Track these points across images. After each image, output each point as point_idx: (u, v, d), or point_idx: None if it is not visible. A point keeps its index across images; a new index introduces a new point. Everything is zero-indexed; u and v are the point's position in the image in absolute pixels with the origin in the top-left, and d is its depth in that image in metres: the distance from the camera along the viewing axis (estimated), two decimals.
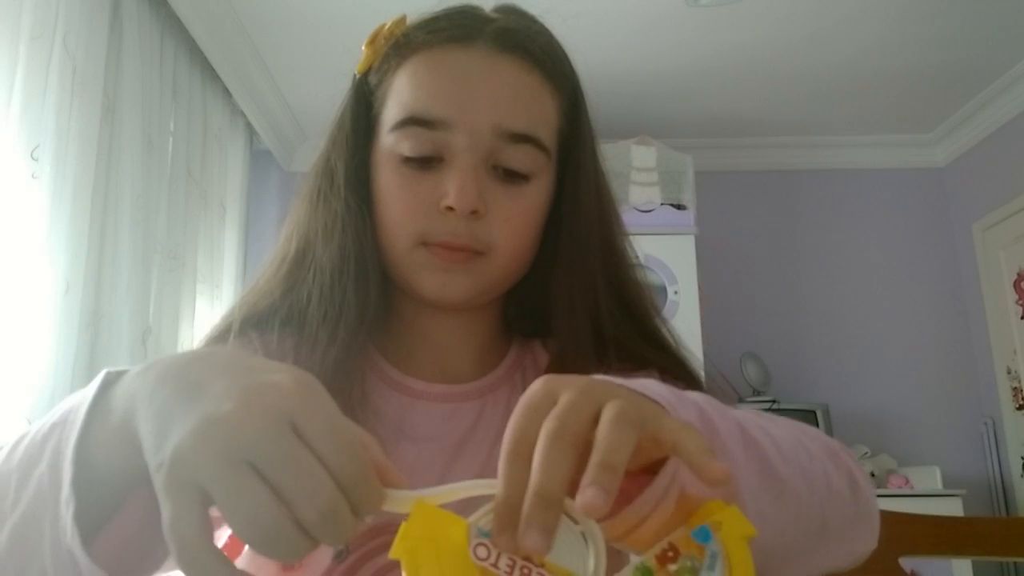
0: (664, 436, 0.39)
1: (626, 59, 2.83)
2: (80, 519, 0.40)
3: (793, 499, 0.52)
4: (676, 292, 2.81)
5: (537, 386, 0.41)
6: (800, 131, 3.43)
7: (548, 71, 0.69)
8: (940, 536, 0.91)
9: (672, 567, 0.39)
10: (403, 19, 0.71)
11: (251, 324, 0.69)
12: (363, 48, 0.72)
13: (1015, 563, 2.92)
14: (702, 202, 3.05)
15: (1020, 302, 3.07)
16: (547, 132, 0.69)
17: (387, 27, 0.71)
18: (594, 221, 0.72)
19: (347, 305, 0.66)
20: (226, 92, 2.80)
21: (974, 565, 2.67)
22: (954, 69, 2.96)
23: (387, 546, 0.64)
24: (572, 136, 0.72)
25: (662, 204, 2.94)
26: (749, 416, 0.54)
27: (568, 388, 0.40)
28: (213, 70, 2.66)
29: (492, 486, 0.39)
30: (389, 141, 0.68)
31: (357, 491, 0.36)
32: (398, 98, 0.68)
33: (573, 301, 0.70)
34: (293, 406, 0.36)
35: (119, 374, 0.45)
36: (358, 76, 0.73)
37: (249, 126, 3.07)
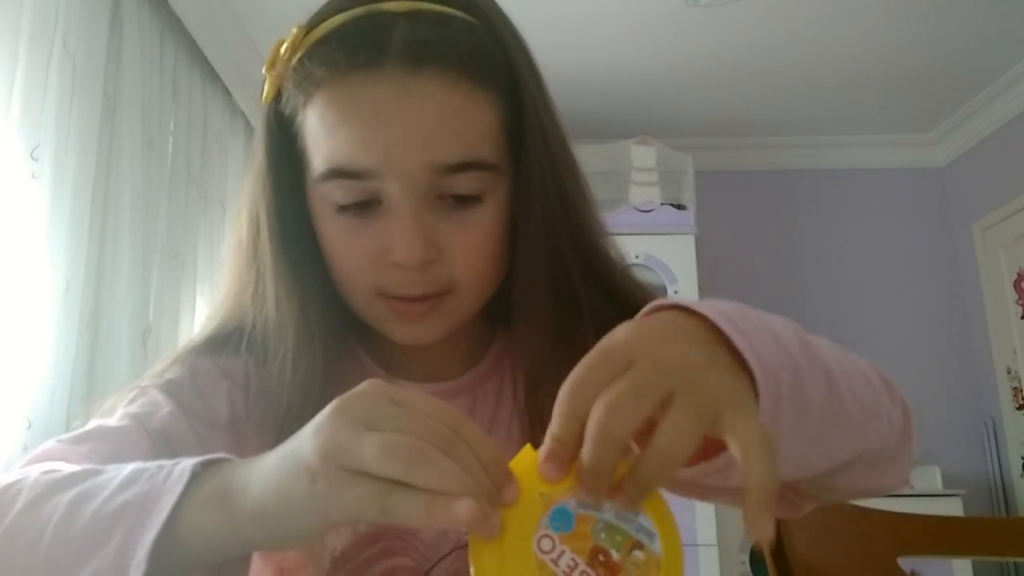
0: (732, 446, 0.38)
1: (626, 59, 2.82)
2: None
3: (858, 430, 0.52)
4: (676, 292, 2.81)
5: (619, 338, 0.40)
6: (800, 131, 3.43)
7: (473, 75, 0.59)
8: (939, 536, 0.91)
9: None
10: (300, 34, 0.63)
11: (242, 346, 0.68)
12: (264, 72, 0.65)
13: (1015, 563, 2.92)
14: (702, 202, 3.04)
15: (1020, 302, 3.07)
16: (490, 146, 0.60)
17: (284, 48, 0.63)
18: (552, 201, 0.65)
19: (298, 347, 0.64)
20: (226, 92, 2.80)
21: (974, 565, 2.68)
22: (954, 69, 2.96)
23: (383, 553, 0.64)
24: (518, 123, 0.63)
25: (662, 204, 2.93)
26: (825, 345, 0.53)
27: (640, 363, 0.39)
28: (213, 70, 2.65)
29: None
30: (319, 189, 0.61)
31: (455, 426, 0.40)
32: (315, 143, 0.60)
33: (536, 290, 0.66)
34: (380, 389, 0.42)
35: (205, 465, 0.45)
36: (265, 105, 0.65)
37: (249, 126, 3.07)
